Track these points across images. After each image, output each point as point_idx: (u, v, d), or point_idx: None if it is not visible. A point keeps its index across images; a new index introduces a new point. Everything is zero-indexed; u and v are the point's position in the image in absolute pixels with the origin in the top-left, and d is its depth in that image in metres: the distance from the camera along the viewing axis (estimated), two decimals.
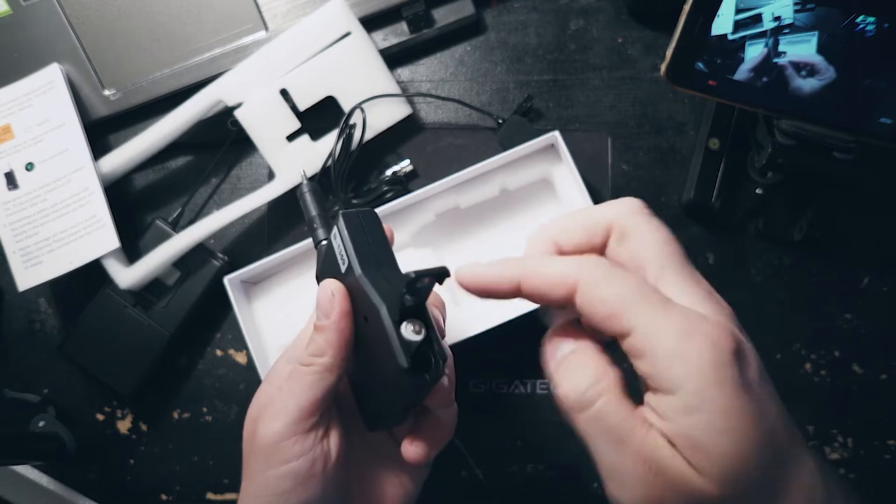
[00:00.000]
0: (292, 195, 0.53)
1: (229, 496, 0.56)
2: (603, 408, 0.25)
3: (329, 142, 0.53)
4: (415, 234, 0.53)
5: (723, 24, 0.42)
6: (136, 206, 0.56)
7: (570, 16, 0.56)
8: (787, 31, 0.42)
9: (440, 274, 0.28)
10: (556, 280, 0.26)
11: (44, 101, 0.52)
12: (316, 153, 0.53)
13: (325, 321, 0.33)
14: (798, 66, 0.43)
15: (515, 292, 0.28)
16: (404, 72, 0.57)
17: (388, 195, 0.53)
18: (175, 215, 0.55)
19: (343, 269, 0.34)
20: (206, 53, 0.54)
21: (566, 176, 0.52)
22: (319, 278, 0.36)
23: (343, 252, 0.34)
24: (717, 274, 0.54)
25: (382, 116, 0.54)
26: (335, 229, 0.35)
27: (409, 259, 0.53)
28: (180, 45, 0.54)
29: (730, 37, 0.42)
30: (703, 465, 0.23)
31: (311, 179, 0.43)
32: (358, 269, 0.32)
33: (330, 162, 0.53)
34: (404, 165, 0.55)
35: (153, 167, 0.57)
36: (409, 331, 0.29)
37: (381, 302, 0.30)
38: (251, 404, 0.35)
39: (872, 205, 0.54)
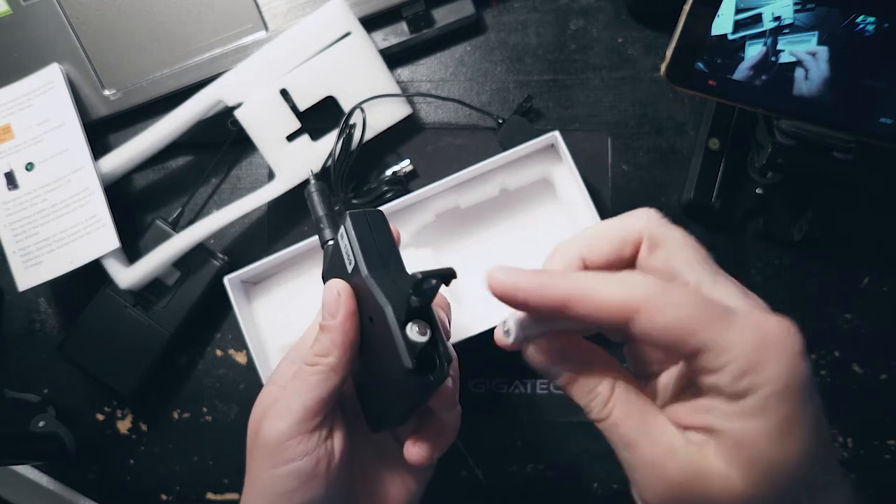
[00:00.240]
0: (292, 195, 0.53)
1: (229, 496, 0.56)
2: (618, 418, 0.26)
3: (329, 142, 0.53)
4: (415, 234, 0.53)
5: (723, 24, 0.42)
6: (136, 206, 0.56)
7: (570, 16, 0.56)
8: (786, 31, 0.42)
9: (447, 275, 0.28)
10: (614, 306, 0.24)
11: (44, 101, 0.52)
12: (316, 153, 0.53)
13: (330, 321, 0.33)
14: (798, 66, 0.43)
15: (556, 311, 0.25)
16: (404, 72, 0.57)
17: (388, 195, 0.53)
18: (175, 215, 0.55)
19: (349, 269, 0.34)
20: (206, 53, 0.54)
21: (566, 176, 0.52)
22: (326, 278, 0.36)
23: (350, 252, 0.34)
24: None
25: (382, 116, 0.54)
26: (342, 229, 0.35)
27: (409, 259, 0.53)
28: (180, 45, 0.54)
29: (730, 37, 0.42)
30: (746, 468, 0.23)
31: (318, 178, 0.43)
32: (364, 270, 0.32)
33: (330, 162, 0.53)
34: (404, 165, 0.55)
35: (153, 167, 0.57)
36: (414, 332, 0.29)
37: (386, 302, 0.30)
38: (255, 404, 0.35)
39: (872, 205, 0.54)
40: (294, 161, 0.53)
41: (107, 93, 0.55)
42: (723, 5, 0.42)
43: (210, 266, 0.53)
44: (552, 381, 0.28)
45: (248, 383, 0.56)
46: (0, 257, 0.53)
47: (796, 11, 0.42)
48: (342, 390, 0.34)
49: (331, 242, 0.39)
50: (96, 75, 0.55)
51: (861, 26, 0.41)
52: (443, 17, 0.55)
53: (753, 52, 0.43)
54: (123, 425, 0.56)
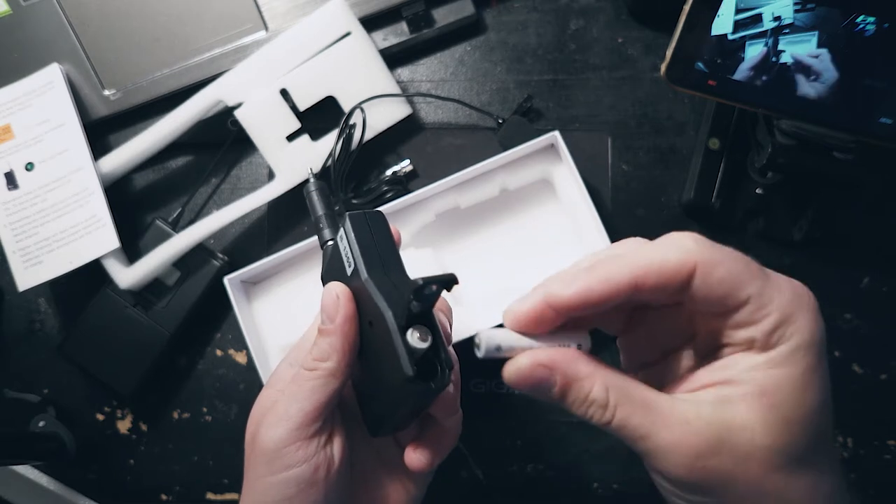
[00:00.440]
0: (292, 195, 0.53)
1: (229, 496, 0.56)
2: (623, 418, 0.26)
3: (329, 142, 0.53)
4: (415, 234, 0.53)
5: (723, 24, 0.42)
6: (136, 206, 0.56)
7: (570, 16, 0.56)
8: (787, 30, 0.42)
9: (448, 281, 0.28)
10: (677, 269, 0.25)
11: (44, 101, 0.52)
12: (316, 153, 0.53)
13: (329, 325, 0.32)
14: (798, 66, 0.43)
15: (629, 294, 0.26)
16: (404, 72, 0.57)
17: (388, 195, 0.53)
18: (175, 215, 0.55)
19: (349, 271, 0.33)
20: (206, 53, 0.54)
21: (566, 176, 0.52)
22: (325, 280, 0.36)
23: (349, 254, 0.33)
24: None
25: (382, 116, 0.54)
26: (341, 231, 0.34)
27: (409, 259, 0.53)
28: (180, 45, 0.54)
29: (730, 37, 0.42)
30: (769, 414, 0.25)
31: (317, 177, 0.42)
32: (364, 273, 0.32)
33: (330, 162, 0.53)
34: (404, 165, 0.55)
35: (153, 167, 0.57)
36: (414, 338, 0.29)
37: (387, 308, 0.29)
38: (253, 407, 0.35)
39: (872, 205, 0.54)
40: (294, 161, 0.53)
41: (107, 93, 0.55)
42: (723, 5, 0.42)
43: (210, 266, 0.53)
44: (544, 399, 0.28)
45: (248, 383, 0.56)
46: (0, 257, 0.53)
47: (796, 11, 0.42)
48: (341, 394, 0.34)
49: (330, 243, 0.39)
50: (96, 75, 0.55)
51: (861, 26, 0.41)
52: (443, 17, 0.55)
53: (753, 52, 0.43)
54: (123, 425, 0.56)
